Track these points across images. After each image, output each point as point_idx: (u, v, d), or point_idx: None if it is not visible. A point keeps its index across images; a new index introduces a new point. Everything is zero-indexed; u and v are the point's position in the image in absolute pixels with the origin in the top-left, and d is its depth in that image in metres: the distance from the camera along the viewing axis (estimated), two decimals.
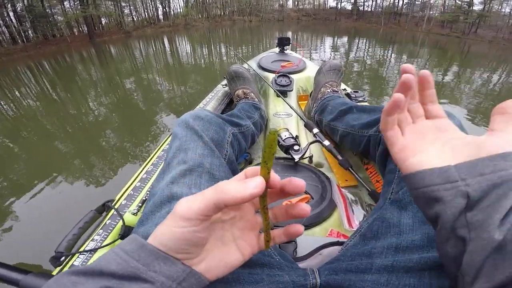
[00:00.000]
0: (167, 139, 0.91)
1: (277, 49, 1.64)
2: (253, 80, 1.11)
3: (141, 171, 0.75)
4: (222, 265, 0.28)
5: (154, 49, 10.39)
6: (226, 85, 1.31)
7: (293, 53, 1.66)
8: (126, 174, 2.05)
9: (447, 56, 8.74)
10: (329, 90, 1.00)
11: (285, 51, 1.60)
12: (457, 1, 19.95)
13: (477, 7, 19.32)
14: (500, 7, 19.15)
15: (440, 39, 15.07)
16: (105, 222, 0.59)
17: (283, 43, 1.57)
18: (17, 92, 5.01)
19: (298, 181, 0.27)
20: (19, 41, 14.40)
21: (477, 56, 9.61)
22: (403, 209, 0.43)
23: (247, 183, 0.24)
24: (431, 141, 0.29)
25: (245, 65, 1.45)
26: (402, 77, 0.28)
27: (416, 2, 22.01)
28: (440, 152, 0.27)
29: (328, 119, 0.87)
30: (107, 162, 2.27)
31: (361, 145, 0.70)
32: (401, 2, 22.63)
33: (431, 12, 21.05)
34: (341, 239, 0.57)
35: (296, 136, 0.86)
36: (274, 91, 1.12)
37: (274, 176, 0.26)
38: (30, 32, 15.35)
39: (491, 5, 18.92)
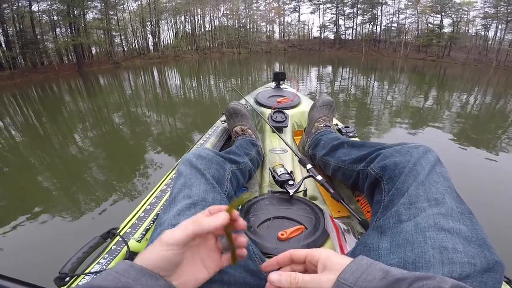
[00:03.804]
0: (168, 174, 0.95)
1: (273, 84, 1.69)
2: (250, 117, 1.15)
3: (145, 203, 0.80)
4: (193, 280, 0.35)
5: (143, 81, 10.48)
6: (224, 121, 1.36)
7: (288, 87, 1.71)
8: (111, 208, 2.03)
9: (425, 80, 9.19)
10: (322, 125, 1.05)
11: (281, 86, 1.65)
12: (429, 24, 21.46)
13: (447, 29, 20.93)
14: (467, 28, 20.65)
15: (418, 64, 15.99)
16: (111, 248, 0.62)
17: (278, 78, 1.62)
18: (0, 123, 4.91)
19: (241, 221, 0.37)
20: (7, 67, 14.20)
21: (453, 79, 10.17)
22: (382, 234, 0.47)
23: (218, 217, 0.33)
24: None
25: (243, 101, 1.49)
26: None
27: (392, 28, 23.53)
28: None
29: (321, 154, 0.91)
30: (91, 197, 2.22)
31: (351, 179, 0.75)
32: (378, 29, 24.16)
33: (406, 37, 22.48)
34: None
35: (291, 171, 0.91)
36: (270, 127, 1.16)
37: (235, 213, 0.36)
38: (18, 58, 15.27)
39: (459, 26, 20.37)
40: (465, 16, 20.30)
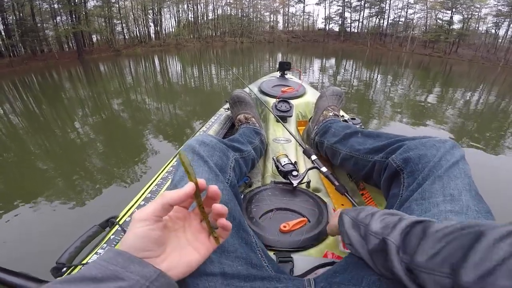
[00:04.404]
0: (170, 161, 0.93)
1: (277, 73, 1.67)
2: (254, 105, 1.14)
3: (146, 190, 0.77)
4: (183, 264, 0.34)
5: (144, 69, 10.43)
6: (228, 109, 1.34)
7: (293, 77, 1.68)
8: (110, 195, 2.02)
9: (429, 76, 9.09)
10: (331, 114, 1.03)
11: (286, 76, 1.62)
12: (438, 20, 21.10)
13: (456, 25, 20.55)
14: (477, 26, 20.30)
15: (423, 59, 15.80)
16: (109, 237, 0.60)
17: (283, 67, 1.60)
18: None
19: (212, 186, 0.35)
20: (6, 55, 14.13)
21: (459, 76, 10.05)
22: None
23: (182, 188, 0.32)
24: None
25: (246, 89, 1.47)
26: None
27: (400, 22, 23.16)
28: None
29: (332, 141, 0.89)
30: (91, 183, 2.21)
31: (364, 169, 0.72)
32: (385, 23, 23.79)
33: (413, 32, 22.15)
34: (336, 260, 0.60)
35: (295, 162, 0.89)
36: (275, 116, 1.15)
37: (201, 180, 0.34)
38: (17, 46, 15.15)
39: (469, 23, 20.03)
40: (476, 13, 19.93)
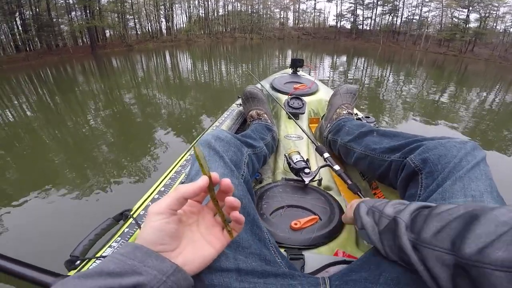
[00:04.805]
0: (183, 156, 0.93)
1: (289, 70, 1.66)
2: (266, 101, 1.13)
3: (159, 184, 0.77)
4: (199, 258, 0.34)
5: (155, 63, 10.50)
6: (240, 104, 1.34)
7: (306, 75, 1.67)
8: (120, 189, 2.03)
9: (444, 75, 8.86)
10: (344, 112, 1.02)
11: (298, 73, 1.61)
12: (453, 19, 20.54)
13: (473, 24, 19.93)
14: (495, 24, 19.69)
15: (438, 58, 15.40)
16: (123, 230, 0.60)
17: (296, 64, 1.58)
18: (15, 101, 4.93)
19: (225, 179, 0.35)
20: (22, 49, 14.56)
21: (474, 75, 9.77)
22: None
23: (196, 181, 0.32)
24: None
25: (258, 85, 1.47)
26: None
27: (414, 20, 22.66)
28: None
29: (346, 139, 0.88)
30: (101, 176, 2.22)
31: (380, 169, 0.71)
32: (399, 20, 23.32)
33: (428, 30, 21.64)
34: (347, 258, 0.60)
35: (307, 159, 0.88)
36: (287, 113, 1.14)
37: (214, 174, 0.34)
38: (33, 41, 15.55)
39: (486, 22, 19.45)
40: (494, 12, 19.28)
